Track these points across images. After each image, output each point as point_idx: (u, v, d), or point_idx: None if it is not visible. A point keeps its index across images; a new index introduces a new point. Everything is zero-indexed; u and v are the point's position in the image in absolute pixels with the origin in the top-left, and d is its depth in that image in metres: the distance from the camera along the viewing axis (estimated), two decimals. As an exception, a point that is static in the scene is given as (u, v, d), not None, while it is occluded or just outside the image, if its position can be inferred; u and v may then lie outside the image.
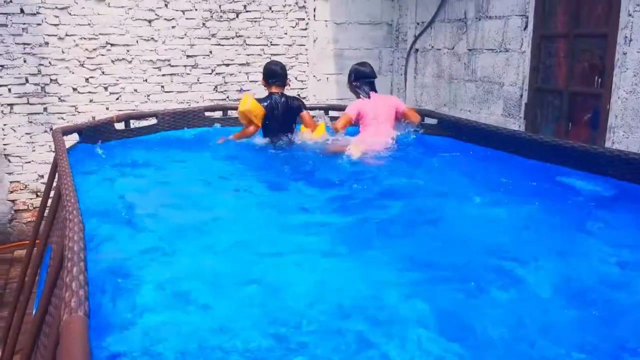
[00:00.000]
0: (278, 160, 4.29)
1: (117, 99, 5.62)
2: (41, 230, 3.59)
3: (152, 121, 4.79)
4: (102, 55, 5.49)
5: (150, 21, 5.59)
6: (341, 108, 5.33)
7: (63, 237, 1.85)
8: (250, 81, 6.03)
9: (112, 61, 5.54)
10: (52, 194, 3.50)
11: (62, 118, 5.44)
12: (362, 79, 4.49)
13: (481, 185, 3.70)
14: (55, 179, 3.33)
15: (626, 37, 3.77)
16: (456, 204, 3.37)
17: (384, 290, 2.20)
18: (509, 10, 4.80)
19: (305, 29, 6.18)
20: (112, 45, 5.50)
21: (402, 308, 2.07)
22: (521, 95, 4.75)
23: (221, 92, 5.97)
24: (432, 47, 5.90)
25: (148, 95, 5.71)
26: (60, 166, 2.75)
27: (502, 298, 2.23)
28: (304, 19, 6.16)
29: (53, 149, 5.40)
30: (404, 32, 6.39)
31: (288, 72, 6.08)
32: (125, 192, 3.45)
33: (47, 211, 3.32)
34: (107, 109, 5.60)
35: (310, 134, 4.49)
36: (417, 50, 6.18)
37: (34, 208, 5.48)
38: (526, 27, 4.64)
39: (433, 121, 4.65)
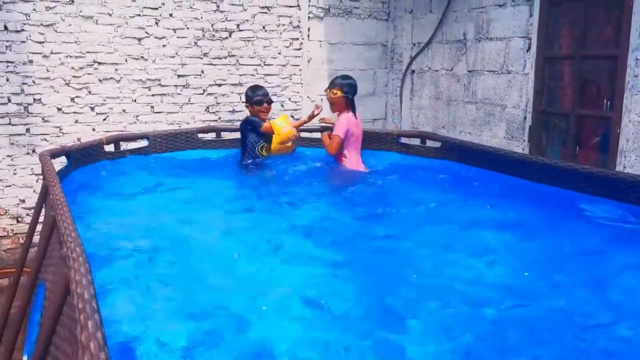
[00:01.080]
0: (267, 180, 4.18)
1: (104, 119, 5.38)
2: (28, 260, 3.34)
3: (143, 143, 4.57)
4: (89, 74, 5.26)
5: (140, 39, 5.39)
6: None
7: (66, 280, 1.63)
8: (243, 102, 5.84)
9: (100, 80, 5.31)
10: (40, 219, 3.26)
11: (46, 139, 5.18)
12: (354, 96, 4.41)
13: (491, 211, 3.57)
14: (44, 206, 3.10)
15: (637, 59, 3.69)
16: (464, 231, 3.22)
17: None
18: (511, 32, 4.72)
19: (300, 49, 6.04)
20: (99, 63, 5.28)
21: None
22: (525, 118, 4.65)
23: (213, 113, 5.77)
24: (430, 68, 5.80)
25: (137, 116, 5.48)
26: (53, 194, 2.52)
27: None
28: (298, 39, 6.02)
29: (35, 172, 5.14)
30: (399, 53, 6.29)
31: (282, 92, 5.96)
32: (118, 219, 3.23)
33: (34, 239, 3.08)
34: (94, 130, 5.35)
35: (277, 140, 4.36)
36: (413, 71, 6.07)
37: (15, 235, 5.18)
38: (529, 48, 4.55)
39: (436, 144, 4.52)
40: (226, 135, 4.99)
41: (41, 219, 3.27)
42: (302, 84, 6.11)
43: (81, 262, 1.61)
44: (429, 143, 4.63)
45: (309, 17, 6.02)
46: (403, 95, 6.26)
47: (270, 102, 4.52)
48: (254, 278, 2.54)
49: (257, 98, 4.47)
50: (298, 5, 5.96)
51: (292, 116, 6.12)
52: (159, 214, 3.35)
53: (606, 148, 4.00)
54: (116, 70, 5.35)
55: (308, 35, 6.05)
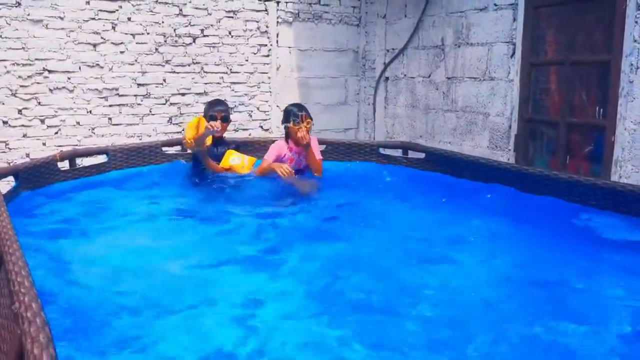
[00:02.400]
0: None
1: (56, 133, 4.90)
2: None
3: (102, 159, 4.15)
4: (39, 83, 4.79)
5: (95, 45, 4.95)
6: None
7: (19, 344, 1.26)
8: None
9: (50, 90, 4.84)
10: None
11: (-10, 156, 4.67)
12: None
13: (489, 228, 3.31)
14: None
15: (632, 64, 3.53)
16: (462, 250, 2.95)
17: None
18: (493, 37, 4.53)
19: (268, 55, 5.71)
20: (50, 71, 4.81)
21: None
22: (510, 126, 4.45)
23: (176, 124, 5.37)
24: (405, 75, 5.56)
25: (93, 129, 5.03)
26: (-1, 225, 2.11)
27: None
28: (266, 45, 5.69)
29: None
30: (372, 60, 6.04)
31: (250, 101, 5.63)
32: (75, 255, 2.79)
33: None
34: (44, 144, 4.87)
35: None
36: (387, 78, 5.83)
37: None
38: (513, 54, 4.37)
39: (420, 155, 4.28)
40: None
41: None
42: (271, 92, 5.78)
43: (39, 326, 1.24)
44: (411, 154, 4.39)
45: (277, 22, 5.70)
46: (377, 104, 6.00)
47: (225, 119, 4.05)
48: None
49: (211, 113, 4.05)
50: (266, 10, 5.63)
51: (261, 127, 5.78)
52: (125, 247, 2.92)
53: (599, 157, 3.83)
54: (69, 78, 4.89)
55: (277, 41, 5.73)
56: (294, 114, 3.93)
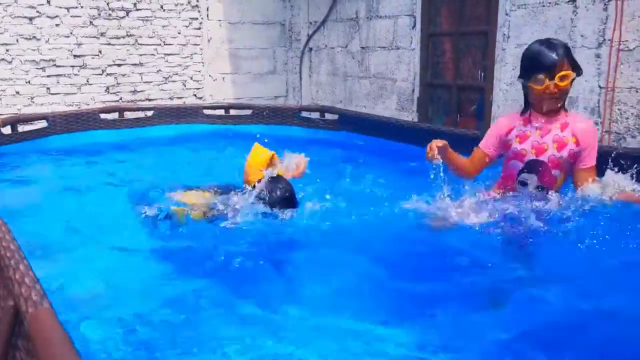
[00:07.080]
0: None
1: (-3, 102, 5.21)
2: None
3: (42, 124, 4.51)
4: (-23, 55, 5.06)
5: (31, 19, 5.24)
6: (241, 107, 5.36)
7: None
8: (157, 84, 5.84)
9: (-11, 62, 5.12)
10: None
11: None
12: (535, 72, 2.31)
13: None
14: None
15: (504, 34, 4.17)
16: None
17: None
18: (398, 10, 5.09)
19: (199, 28, 6.11)
20: (-12, 44, 5.09)
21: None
22: (413, 90, 5.06)
23: (113, 93, 5.73)
24: (326, 45, 6.09)
25: (32, 98, 5.34)
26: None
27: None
28: (197, 19, 6.08)
29: None
30: (297, 32, 6.53)
31: (184, 71, 6.02)
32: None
33: None
34: (-14, 113, 5.17)
35: None
36: (310, 49, 6.34)
37: None
38: (414, 26, 4.95)
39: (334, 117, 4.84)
40: (129, 115, 5.01)
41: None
42: (203, 63, 6.19)
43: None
44: (328, 116, 4.95)
45: (207, -3, 6.09)
46: (302, 73, 6.52)
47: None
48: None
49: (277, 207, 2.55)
50: (196, -15, 6.02)
51: (195, 95, 6.20)
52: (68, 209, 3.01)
53: (481, 115, 4.49)
54: (7, 50, 5.18)
55: (207, 15, 6.13)
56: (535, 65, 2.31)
